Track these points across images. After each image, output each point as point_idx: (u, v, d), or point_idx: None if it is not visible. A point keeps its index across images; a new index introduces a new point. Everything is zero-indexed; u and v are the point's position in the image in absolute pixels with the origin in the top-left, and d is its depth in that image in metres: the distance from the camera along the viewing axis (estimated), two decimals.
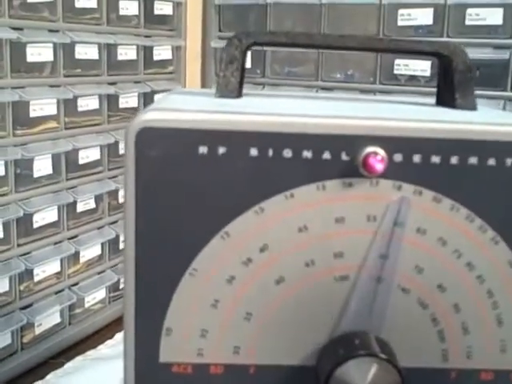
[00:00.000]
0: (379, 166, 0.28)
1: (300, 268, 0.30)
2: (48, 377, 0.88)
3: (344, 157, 0.29)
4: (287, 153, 0.29)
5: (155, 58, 1.31)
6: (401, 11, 1.08)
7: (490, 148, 0.29)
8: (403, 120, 0.29)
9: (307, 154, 0.29)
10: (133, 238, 0.29)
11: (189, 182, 0.29)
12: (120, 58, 1.21)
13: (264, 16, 1.25)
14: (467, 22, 0.99)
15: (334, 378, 0.28)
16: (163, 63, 1.34)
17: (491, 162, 0.29)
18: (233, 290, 0.30)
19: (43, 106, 1.01)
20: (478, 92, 0.36)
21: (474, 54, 0.98)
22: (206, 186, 0.29)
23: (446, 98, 0.38)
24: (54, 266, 1.05)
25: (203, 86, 1.41)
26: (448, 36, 1.03)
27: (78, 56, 1.09)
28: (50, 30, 1.03)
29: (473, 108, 0.36)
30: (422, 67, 1.04)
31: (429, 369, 0.31)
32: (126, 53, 1.23)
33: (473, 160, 0.29)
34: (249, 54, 1.38)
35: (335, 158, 0.29)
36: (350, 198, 0.29)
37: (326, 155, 0.29)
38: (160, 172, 0.28)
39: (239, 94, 0.36)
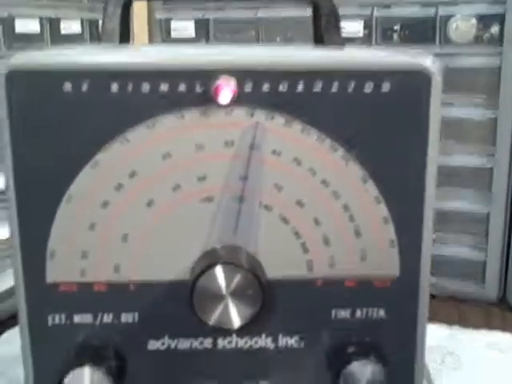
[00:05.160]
0: (228, 96, 0.32)
1: (168, 192, 0.33)
2: None
3: (198, 89, 0.32)
4: (145, 88, 0.32)
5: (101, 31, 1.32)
6: None
7: (332, 77, 0.33)
8: (255, 56, 0.33)
9: (164, 87, 0.32)
10: (12, 172, 0.32)
11: (58, 118, 0.32)
12: (64, 32, 1.21)
13: None
14: None
15: (198, 287, 0.32)
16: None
17: (334, 89, 0.33)
18: (107, 213, 0.33)
19: None
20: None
21: (402, 12, 1.01)
22: (73, 122, 0.32)
23: (317, 39, 0.41)
24: None
25: None
26: None
27: (18, 30, 1.10)
28: None
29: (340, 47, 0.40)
30: (355, 29, 1.07)
31: (296, 279, 0.35)
32: (70, 27, 1.24)
33: (317, 88, 0.33)
34: (192, 23, 1.35)
35: (190, 90, 0.32)
36: (207, 126, 0.33)
37: (182, 88, 0.32)
38: (30, 111, 0.32)
39: (121, 42, 0.39)
